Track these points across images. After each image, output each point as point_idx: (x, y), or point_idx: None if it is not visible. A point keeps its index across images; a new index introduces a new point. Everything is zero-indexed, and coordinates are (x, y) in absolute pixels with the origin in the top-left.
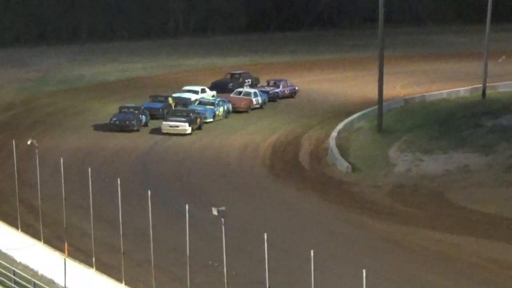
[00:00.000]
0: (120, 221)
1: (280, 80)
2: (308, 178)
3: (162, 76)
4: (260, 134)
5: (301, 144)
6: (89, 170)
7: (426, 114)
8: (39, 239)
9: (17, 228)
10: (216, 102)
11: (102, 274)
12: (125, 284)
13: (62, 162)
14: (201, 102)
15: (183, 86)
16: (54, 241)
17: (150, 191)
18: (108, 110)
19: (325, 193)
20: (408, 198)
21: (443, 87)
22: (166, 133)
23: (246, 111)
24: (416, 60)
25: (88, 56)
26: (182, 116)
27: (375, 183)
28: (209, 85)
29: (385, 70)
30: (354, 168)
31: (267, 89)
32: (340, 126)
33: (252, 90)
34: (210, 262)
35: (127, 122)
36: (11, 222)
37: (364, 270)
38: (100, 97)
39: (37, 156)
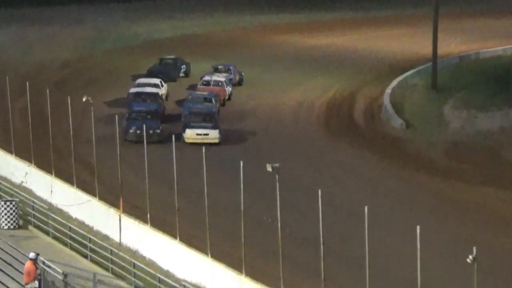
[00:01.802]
0: (175, 178)
1: (229, 65)
2: (363, 135)
3: (218, 33)
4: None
5: (356, 101)
6: (144, 127)
7: (481, 71)
8: (94, 195)
9: (72, 184)
10: (212, 97)
11: (157, 230)
12: (179, 240)
13: (117, 119)
14: (194, 98)
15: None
16: (109, 198)
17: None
18: None
19: (379, 150)
20: (462, 156)
21: (498, 44)
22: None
23: (223, 105)
24: (470, 17)
25: (143, 13)
26: (205, 119)
27: (430, 140)
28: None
29: (439, 27)
30: (408, 125)
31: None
32: (394, 83)
33: (222, 79)
34: (264, 218)
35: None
36: (67, 178)
37: (418, 227)
38: (156, 55)
39: (92, 113)
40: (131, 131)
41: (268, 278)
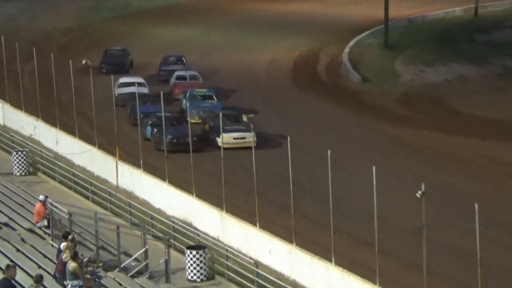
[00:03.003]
0: (164, 130)
1: (180, 57)
2: (325, 88)
3: (201, 2)
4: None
5: (319, 59)
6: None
7: (427, 32)
8: (94, 145)
9: (75, 136)
10: (213, 94)
11: (149, 174)
12: (168, 182)
13: (112, 79)
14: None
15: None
16: (107, 147)
17: None
18: (155, 32)
19: (340, 101)
20: (412, 105)
21: (441, 8)
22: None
23: None
24: None
25: None
26: (236, 122)
27: (383, 92)
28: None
29: None
30: (364, 79)
31: (175, 68)
32: (352, 43)
33: (195, 72)
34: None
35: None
36: (70, 131)
37: (374, 167)
38: (147, 22)
39: (91, 74)
40: (167, 140)
41: (244, 212)
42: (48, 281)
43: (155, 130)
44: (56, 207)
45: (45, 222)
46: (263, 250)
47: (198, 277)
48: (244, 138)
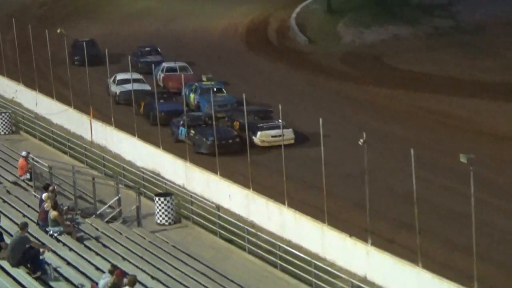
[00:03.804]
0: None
1: (155, 47)
2: (276, 49)
3: None
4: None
5: (269, 24)
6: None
7: None
8: (70, 105)
9: (52, 97)
10: (222, 87)
11: (120, 130)
12: (138, 137)
13: (85, 45)
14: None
15: None
16: (82, 107)
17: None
18: (119, 3)
19: (289, 61)
20: (354, 63)
21: None
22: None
23: None
24: None
25: None
26: (259, 117)
27: (327, 52)
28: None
29: None
30: (310, 41)
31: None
32: (298, 8)
33: (183, 63)
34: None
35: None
36: (48, 93)
37: (320, 119)
38: None
39: (65, 42)
40: (208, 142)
41: (205, 163)
42: (32, 228)
43: (192, 132)
44: (37, 161)
45: (28, 176)
46: (223, 195)
47: (166, 221)
48: (282, 135)
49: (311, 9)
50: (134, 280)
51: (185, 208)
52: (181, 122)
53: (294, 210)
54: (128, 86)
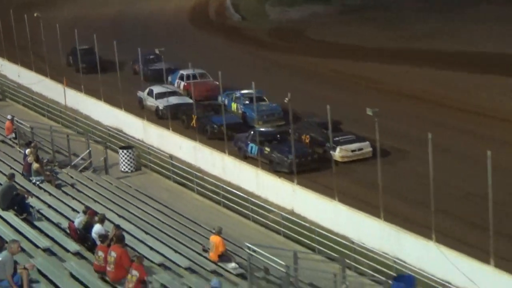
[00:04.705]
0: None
1: (157, 53)
2: (215, 26)
3: None
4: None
5: (209, 5)
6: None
7: None
8: (46, 76)
9: (31, 69)
10: (263, 95)
11: (89, 96)
12: (104, 100)
13: (58, 27)
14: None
15: None
16: (57, 77)
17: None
18: None
19: (227, 36)
20: (280, 36)
21: None
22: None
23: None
24: None
25: None
26: (336, 131)
27: (257, 27)
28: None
29: None
30: (243, 18)
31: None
32: None
33: (202, 70)
34: None
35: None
36: (28, 66)
37: (253, 82)
38: None
39: (41, 24)
40: (288, 161)
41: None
42: (18, 178)
43: (267, 149)
44: (21, 123)
45: (14, 135)
46: (175, 147)
47: (128, 169)
48: (362, 149)
49: None
50: (103, 218)
51: (144, 158)
52: (250, 138)
53: (234, 158)
54: (172, 100)
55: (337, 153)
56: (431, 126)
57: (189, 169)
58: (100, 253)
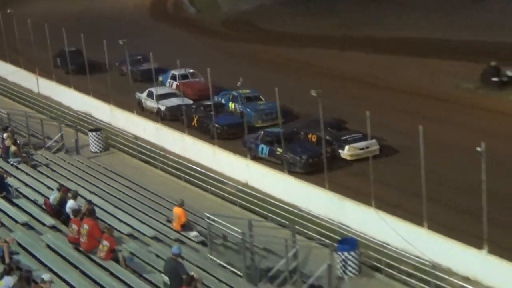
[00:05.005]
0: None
1: (145, 55)
2: (173, 19)
3: None
4: None
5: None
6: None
7: None
8: (21, 67)
9: (6, 61)
10: (259, 94)
11: (60, 84)
12: (74, 88)
13: (29, 22)
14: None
15: None
16: (30, 67)
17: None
18: None
19: (184, 27)
20: (232, 26)
21: None
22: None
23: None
24: None
25: None
26: (341, 130)
27: (211, 19)
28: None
29: None
30: (198, 11)
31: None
32: None
33: (194, 70)
34: None
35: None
36: (3, 58)
37: (208, 69)
38: None
39: (14, 20)
40: (303, 161)
41: (125, 105)
42: None
43: (279, 150)
44: None
45: None
46: (140, 128)
47: (98, 149)
48: (369, 147)
49: None
50: (75, 194)
51: (111, 139)
52: (260, 139)
53: (193, 137)
54: (173, 101)
55: (346, 152)
56: (369, 105)
57: (152, 148)
58: (74, 226)
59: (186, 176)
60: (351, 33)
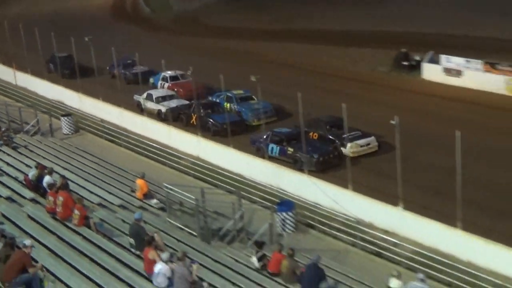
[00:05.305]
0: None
1: (133, 58)
2: (132, 18)
3: None
4: None
5: (126, 1)
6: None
7: None
8: None
9: None
10: (251, 94)
11: (36, 77)
12: (49, 81)
13: (6, 23)
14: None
15: None
16: (7, 63)
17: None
18: None
19: (141, 25)
20: (182, 23)
21: None
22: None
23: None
24: None
25: None
26: (341, 128)
27: (165, 17)
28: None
29: None
30: (152, 10)
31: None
32: None
33: (182, 72)
34: None
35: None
36: None
37: (163, 61)
38: None
39: None
40: (314, 160)
41: (98, 94)
42: None
43: (290, 149)
44: None
45: None
46: (106, 113)
47: (69, 132)
48: (369, 144)
49: None
50: (51, 171)
51: (81, 122)
52: (269, 139)
53: (151, 119)
54: (172, 103)
55: (349, 149)
56: (301, 87)
57: (116, 129)
58: (50, 198)
59: (146, 153)
60: (285, 26)
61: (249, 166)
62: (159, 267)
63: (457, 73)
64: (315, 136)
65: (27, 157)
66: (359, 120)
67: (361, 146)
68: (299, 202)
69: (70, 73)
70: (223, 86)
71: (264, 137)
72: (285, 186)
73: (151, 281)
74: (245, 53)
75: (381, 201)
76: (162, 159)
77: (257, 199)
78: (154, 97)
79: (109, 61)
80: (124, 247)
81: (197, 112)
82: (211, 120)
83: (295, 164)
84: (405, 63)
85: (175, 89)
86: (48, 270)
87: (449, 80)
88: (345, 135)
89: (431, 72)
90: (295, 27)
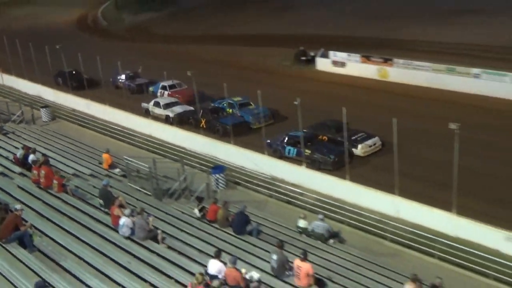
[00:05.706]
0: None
1: (135, 71)
2: (95, 30)
3: None
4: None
5: (87, 17)
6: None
7: None
8: None
9: None
10: (249, 100)
11: (18, 77)
12: (30, 80)
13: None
14: (239, 104)
15: None
16: None
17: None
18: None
19: (101, 36)
20: (134, 33)
21: None
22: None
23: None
24: None
25: None
26: (336, 129)
27: (119, 28)
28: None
29: None
30: (108, 23)
31: (142, 81)
32: (102, 7)
33: (179, 81)
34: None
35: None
36: None
37: (119, 62)
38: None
39: None
40: (331, 160)
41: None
42: None
43: (307, 151)
44: None
45: None
46: (82, 106)
47: (47, 120)
48: (375, 143)
49: (108, 7)
50: (34, 150)
51: (57, 112)
52: (286, 142)
53: (118, 108)
54: (178, 109)
55: (359, 150)
56: (225, 78)
57: (85, 116)
58: (35, 172)
59: (109, 133)
60: (215, 32)
61: (189, 140)
62: (123, 220)
63: (342, 64)
64: (325, 138)
65: (15, 140)
66: (269, 101)
67: (370, 146)
68: (229, 166)
69: (77, 85)
70: (225, 93)
71: (281, 140)
72: (218, 154)
73: (117, 232)
74: (185, 54)
75: (289, 163)
76: (123, 138)
77: (196, 165)
78: (161, 104)
79: (92, 69)
80: (95, 207)
81: (206, 117)
82: (220, 123)
83: (312, 164)
84: (303, 58)
85: (175, 96)
86: (36, 228)
87: (336, 70)
88: (354, 137)
89: (323, 64)
90: (223, 33)
